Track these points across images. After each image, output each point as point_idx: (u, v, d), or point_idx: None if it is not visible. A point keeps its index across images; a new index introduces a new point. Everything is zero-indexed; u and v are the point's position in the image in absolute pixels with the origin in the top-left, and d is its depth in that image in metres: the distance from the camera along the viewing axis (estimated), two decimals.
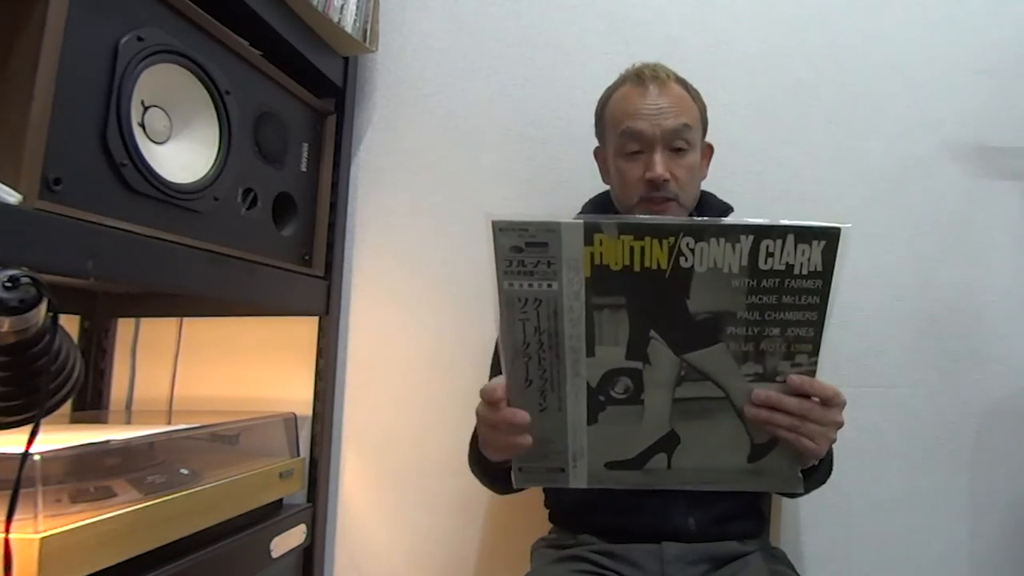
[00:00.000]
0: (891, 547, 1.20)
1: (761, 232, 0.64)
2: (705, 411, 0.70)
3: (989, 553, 1.18)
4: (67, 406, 0.83)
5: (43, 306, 0.55)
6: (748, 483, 0.74)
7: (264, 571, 1.09)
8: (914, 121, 1.27)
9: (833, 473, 0.90)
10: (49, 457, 0.73)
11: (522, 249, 0.64)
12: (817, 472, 0.81)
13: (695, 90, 1.01)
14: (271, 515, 1.14)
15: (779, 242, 0.65)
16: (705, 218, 0.63)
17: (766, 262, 0.65)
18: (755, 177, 1.28)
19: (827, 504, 1.20)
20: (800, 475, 0.75)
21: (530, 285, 0.65)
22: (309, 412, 1.31)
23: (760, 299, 0.66)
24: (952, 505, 1.20)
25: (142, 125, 0.86)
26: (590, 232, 0.62)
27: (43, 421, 0.58)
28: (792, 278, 0.67)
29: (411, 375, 1.35)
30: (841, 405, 0.71)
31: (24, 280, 0.53)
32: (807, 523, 1.22)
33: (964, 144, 1.25)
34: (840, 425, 0.72)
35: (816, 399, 0.70)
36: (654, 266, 0.64)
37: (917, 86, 1.27)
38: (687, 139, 0.96)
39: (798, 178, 1.28)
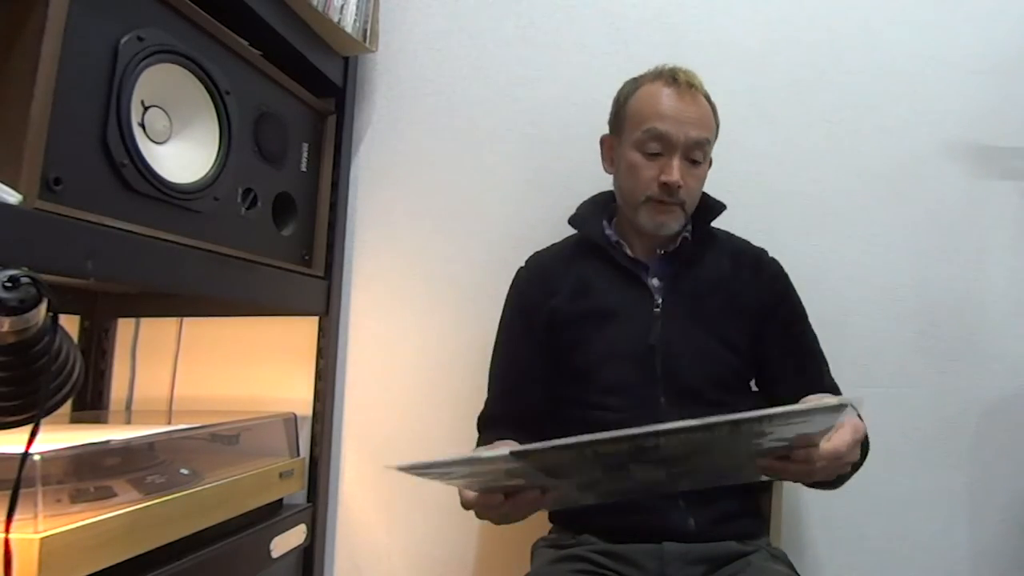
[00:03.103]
0: (891, 547, 1.20)
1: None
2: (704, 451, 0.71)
3: (989, 553, 1.18)
4: (67, 406, 0.83)
5: (43, 306, 0.55)
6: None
7: (264, 571, 1.09)
8: (914, 121, 1.27)
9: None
10: (49, 457, 0.73)
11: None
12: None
13: (715, 105, 1.03)
14: (271, 515, 1.13)
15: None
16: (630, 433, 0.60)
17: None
18: (755, 177, 1.28)
19: (827, 504, 1.20)
20: None
21: (482, 479, 0.67)
22: (309, 412, 1.31)
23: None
24: (952, 505, 1.20)
25: (142, 125, 0.86)
26: (518, 458, 0.62)
27: (43, 421, 0.58)
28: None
29: (411, 375, 1.35)
30: (856, 442, 0.70)
31: (24, 280, 0.53)
32: (807, 523, 1.22)
33: (964, 144, 1.25)
34: (855, 460, 0.72)
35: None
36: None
37: (917, 86, 1.27)
38: (705, 151, 0.99)
39: (798, 178, 1.28)
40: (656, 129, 0.97)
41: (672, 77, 0.99)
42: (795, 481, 0.71)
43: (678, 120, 0.96)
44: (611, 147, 1.06)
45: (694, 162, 0.98)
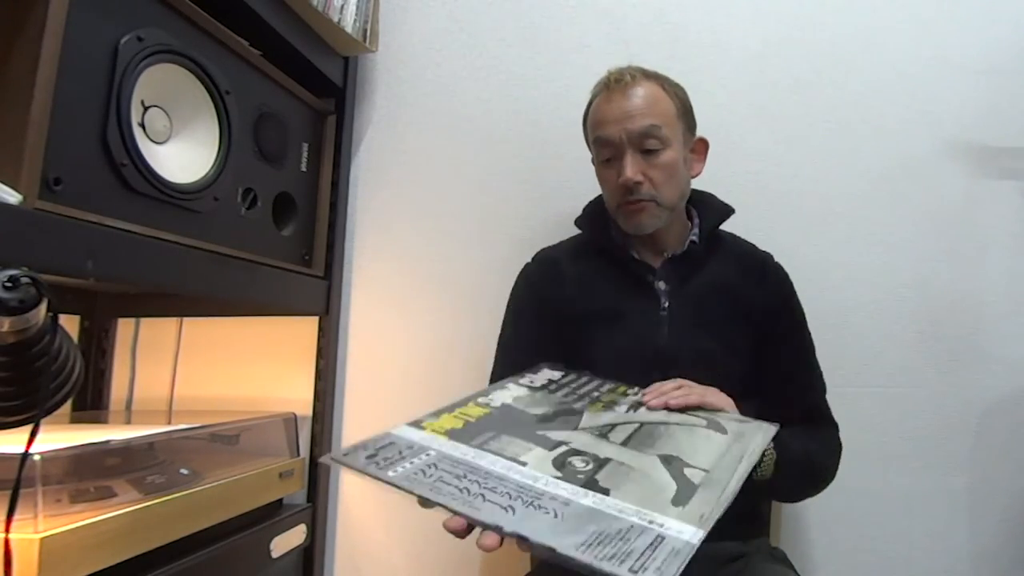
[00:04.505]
0: (891, 547, 1.20)
1: (512, 379, 0.86)
2: (650, 435, 0.72)
3: (989, 553, 1.18)
4: (67, 406, 0.83)
5: (43, 306, 0.55)
6: (751, 442, 0.74)
7: (264, 571, 1.09)
8: (914, 121, 1.27)
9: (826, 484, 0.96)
10: (49, 457, 0.73)
11: (376, 453, 0.64)
12: (784, 473, 0.85)
13: (673, 85, 1.00)
14: (271, 515, 1.13)
15: (526, 377, 0.89)
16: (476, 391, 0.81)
17: (535, 382, 0.86)
18: (755, 177, 1.28)
19: (827, 504, 1.19)
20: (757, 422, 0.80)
21: (411, 463, 0.63)
22: (309, 412, 1.31)
23: (562, 392, 0.83)
24: (952, 505, 1.20)
25: (142, 125, 0.86)
26: (416, 424, 0.69)
27: (43, 421, 0.58)
28: (558, 382, 0.88)
29: (411, 375, 1.35)
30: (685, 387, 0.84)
31: (24, 280, 0.53)
32: (807, 523, 1.22)
33: (964, 144, 1.25)
34: (706, 388, 0.84)
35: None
36: (482, 415, 0.73)
37: (917, 86, 1.27)
38: (658, 137, 0.95)
39: (798, 178, 1.28)
40: (599, 137, 0.99)
41: (604, 84, 1.00)
42: (695, 403, 0.81)
43: (614, 120, 0.96)
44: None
45: (651, 151, 0.95)
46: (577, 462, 0.65)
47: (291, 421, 1.23)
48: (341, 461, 0.61)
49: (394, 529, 1.32)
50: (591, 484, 0.61)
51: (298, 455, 1.24)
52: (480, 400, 0.77)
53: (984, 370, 1.21)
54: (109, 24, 0.80)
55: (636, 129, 0.95)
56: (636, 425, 0.74)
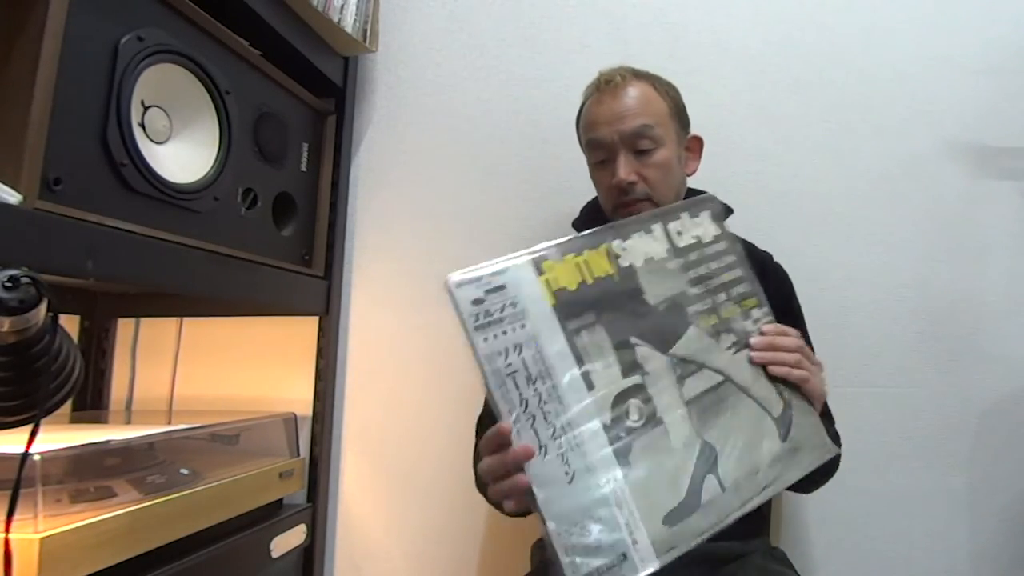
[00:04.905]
0: (891, 547, 1.20)
1: (661, 217, 0.74)
2: (719, 403, 0.70)
3: (989, 553, 1.18)
4: (67, 406, 0.83)
5: (43, 306, 0.55)
6: (794, 467, 0.73)
7: (264, 571, 1.09)
8: (914, 121, 1.27)
9: (835, 473, 0.93)
10: (49, 457, 0.73)
11: (483, 300, 0.64)
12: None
13: (665, 84, 1.00)
14: (271, 515, 1.14)
15: (679, 221, 0.75)
16: (621, 221, 0.72)
17: (680, 239, 0.74)
18: (755, 177, 1.28)
19: (827, 504, 1.20)
20: (828, 437, 0.77)
21: (504, 332, 0.64)
22: (309, 412, 1.31)
23: (696, 272, 0.74)
24: (952, 505, 1.20)
25: (142, 125, 0.86)
26: (538, 263, 0.66)
27: (43, 421, 0.58)
28: (705, 247, 0.75)
29: (410, 375, 1.35)
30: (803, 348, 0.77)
31: (24, 280, 0.54)
32: (807, 523, 1.22)
33: (964, 144, 1.25)
34: (821, 367, 0.78)
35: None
36: (603, 274, 0.68)
37: (917, 86, 1.27)
38: (651, 137, 0.95)
39: (798, 178, 1.28)
40: (591, 140, 0.99)
41: (595, 86, 1.00)
42: (796, 378, 0.74)
43: (606, 122, 0.96)
44: None
45: (644, 151, 0.95)
46: (633, 411, 0.66)
47: (291, 421, 1.23)
48: (455, 294, 0.65)
49: (394, 529, 1.32)
50: (624, 452, 0.64)
51: (298, 455, 1.24)
52: (615, 246, 0.70)
53: (984, 370, 1.21)
54: (109, 24, 0.80)
55: (628, 130, 0.95)
56: (719, 380, 0.71)
